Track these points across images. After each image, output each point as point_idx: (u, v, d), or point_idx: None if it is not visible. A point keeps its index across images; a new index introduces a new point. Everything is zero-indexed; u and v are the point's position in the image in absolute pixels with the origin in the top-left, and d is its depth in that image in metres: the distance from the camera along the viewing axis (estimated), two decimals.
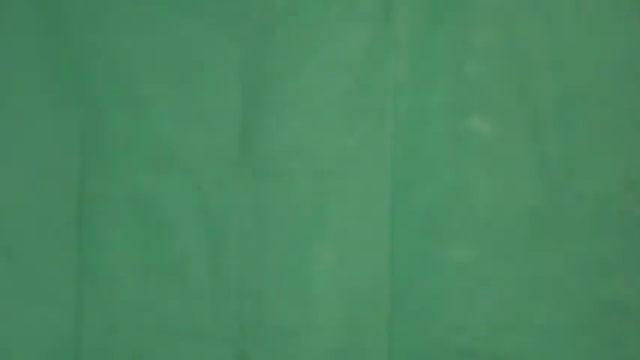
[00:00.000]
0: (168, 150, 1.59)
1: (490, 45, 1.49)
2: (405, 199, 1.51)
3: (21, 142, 1.58)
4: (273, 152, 1.55)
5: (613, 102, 1.45)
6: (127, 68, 1.59)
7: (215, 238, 1.58)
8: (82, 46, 1.60)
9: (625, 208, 1.45)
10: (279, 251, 1.56)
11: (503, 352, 1.49)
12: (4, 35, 1.57)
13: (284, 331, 1.56)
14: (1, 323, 1.56)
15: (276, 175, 1.55)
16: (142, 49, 1.58)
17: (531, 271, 1.47)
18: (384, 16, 1.51)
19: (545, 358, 1.47)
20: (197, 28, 1.56)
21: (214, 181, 1.58)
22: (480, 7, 1.49)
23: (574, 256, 1.46)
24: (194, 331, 1.59)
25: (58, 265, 1.61)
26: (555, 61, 1.46)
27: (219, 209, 1.57)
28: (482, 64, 1.49)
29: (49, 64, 1.60)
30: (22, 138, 1.58)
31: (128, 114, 1.60)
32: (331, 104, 1.53)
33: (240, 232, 1.57)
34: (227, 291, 1.57)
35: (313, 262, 1.55)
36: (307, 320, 1.55)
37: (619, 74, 1.45)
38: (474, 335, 1.50)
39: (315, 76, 1.54)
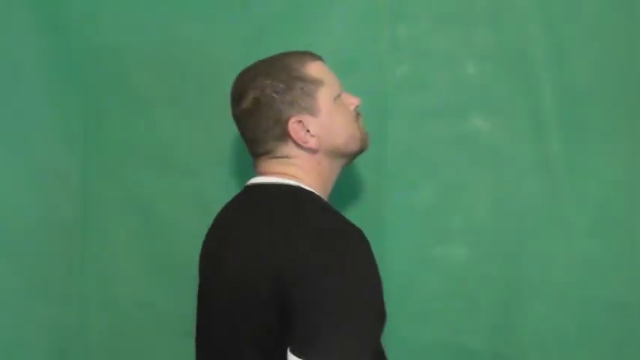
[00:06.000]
0: (168, 150, 1.59)
1: (490, 45, 1.49)
2: (405, 199, 1.52)
3: (23, 142, 1.58)
4: None
5: (613, 102, 1.45)
6: (127, 68, 1.59)
7: None
8: (82, 46, 1.60)
9: (625, 208, 1.45)
10: None
11: (503, 352, 1.49)
12: (6, 36, 1.57)
13: None
14: (6, 322, 1.56)
15: None
16: (142, 49, 1.58)
17: (531, 271, 1.48)
18: (384, 16, 1.51)
19: (545, 358, 1.47)
20: (197, 28, 1.57)
21: (214, 181, 1.58)
22: (480, 8, 1.49)
23: (574, 256, 1.46)
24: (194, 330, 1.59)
25: (60, 264, 1.61)
26: (555, 61, 1.46)
27: (219, 209, 1.57)
28: (482, 64, 1.49)
29: (49, 65, 1.60)
30: (24, 138, 1.59)
31: (128, 114, 1.60)
32: None
33: None
34: None
35: None
36: None
37: (619, 74, 1.45)
38: (473, 335, 1.50)
39: None
